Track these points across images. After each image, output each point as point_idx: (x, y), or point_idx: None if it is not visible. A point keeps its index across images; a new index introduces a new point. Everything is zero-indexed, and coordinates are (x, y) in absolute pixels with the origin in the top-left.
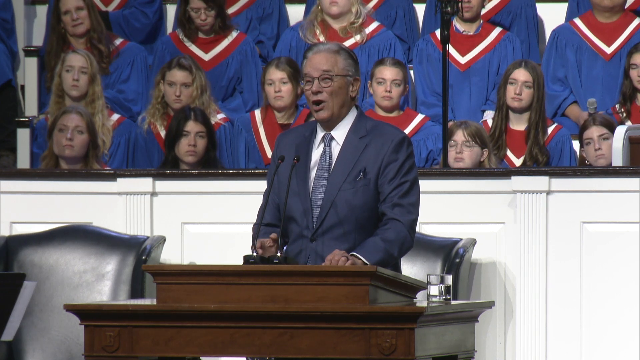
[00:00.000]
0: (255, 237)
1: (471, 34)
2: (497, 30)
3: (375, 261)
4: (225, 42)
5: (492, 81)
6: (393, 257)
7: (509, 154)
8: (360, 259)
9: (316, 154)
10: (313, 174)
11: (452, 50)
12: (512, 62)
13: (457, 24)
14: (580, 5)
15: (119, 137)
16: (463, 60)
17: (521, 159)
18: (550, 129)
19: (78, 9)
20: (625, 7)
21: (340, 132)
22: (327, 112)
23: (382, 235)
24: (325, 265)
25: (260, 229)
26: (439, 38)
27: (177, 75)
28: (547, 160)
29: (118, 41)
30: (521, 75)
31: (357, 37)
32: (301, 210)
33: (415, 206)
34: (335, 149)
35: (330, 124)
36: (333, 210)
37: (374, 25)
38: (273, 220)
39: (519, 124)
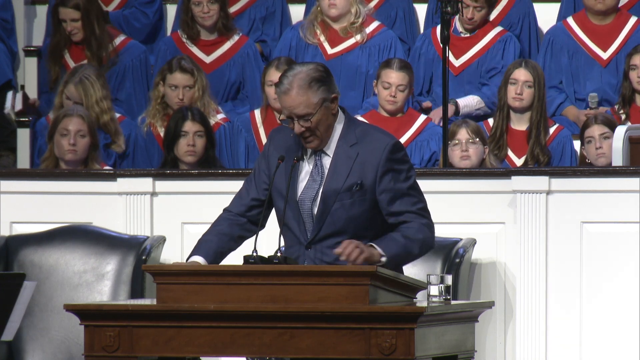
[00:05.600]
0: (211, 227)
1: (467, 35)
2: (495, 31)
3: (392, 254)
4: (227, 45)
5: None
6: (412, 255)
7: (510, 154)
8: (376, 249)
9: (307, 162)
10: (303, 184)
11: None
12: (512, 62)
13: (459, 25)
14: (570, 7)
15: (125, 132)
16: (457, 62)
17: (522, 159)
18: (552, 129)
19: (72, 21)
20: (619, 5)
21: (330, 145)
22: (316, 142)
23: (404, 232)
24: (325, 265)
25: (220, 220)
26: (439, 37)
27: (179, 78)
28: (548, 160)
29: (118, 40)
30: (522, 75)
31: (358, 37)
32: (291, 217)
33: (427, 210)
34: (326, 159)
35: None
36: (330, 220)
37: (375, 24)
38: (240, 212)
39: (520, 124)
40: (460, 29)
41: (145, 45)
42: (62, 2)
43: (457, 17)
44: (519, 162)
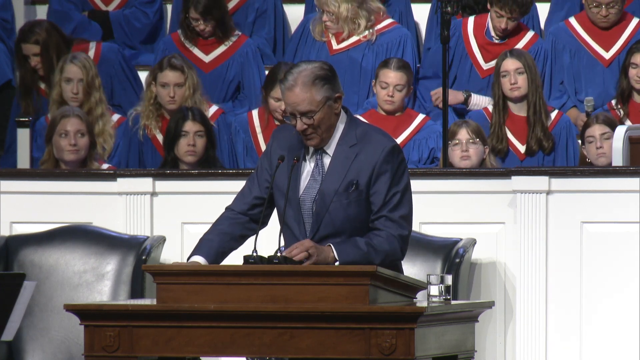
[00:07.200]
0: (212, 227)
1: (499, 41)
2: (526, 38)
3: (347, 261)
4: (226, 44)
5: None
6: (372, 264)
7: (513, 140)
8: (332, 252)
9: (308, 162)
10: (305, 183)
11: (478, 55)
12: (499, 56)
13: (492, 29)
14: (565, 8)
15: (119, 139)
16: (486, 66)
17: (526, 145)
18: (553, 114)
19: (35, 55)
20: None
21: (331, 144)
22: (317, 140)
23: (371, 240)
24: (325, 265)
25: (221, 219)
26: (470, 32)
27: (170, 76)
28: (552, 146)
29: (91, 53)
30: (510, 64)
31: (366, 33)
32: (292, 217)
33: (406, 219)
34: (326, 158)
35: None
36: (328, 219)
37: (387, 22)
38: (242, 210)
39: (520, 112)
40: (492, 33)
41: (145, 46)
42: (23, 38)
43: (489, 20)
44: (522, 148)
